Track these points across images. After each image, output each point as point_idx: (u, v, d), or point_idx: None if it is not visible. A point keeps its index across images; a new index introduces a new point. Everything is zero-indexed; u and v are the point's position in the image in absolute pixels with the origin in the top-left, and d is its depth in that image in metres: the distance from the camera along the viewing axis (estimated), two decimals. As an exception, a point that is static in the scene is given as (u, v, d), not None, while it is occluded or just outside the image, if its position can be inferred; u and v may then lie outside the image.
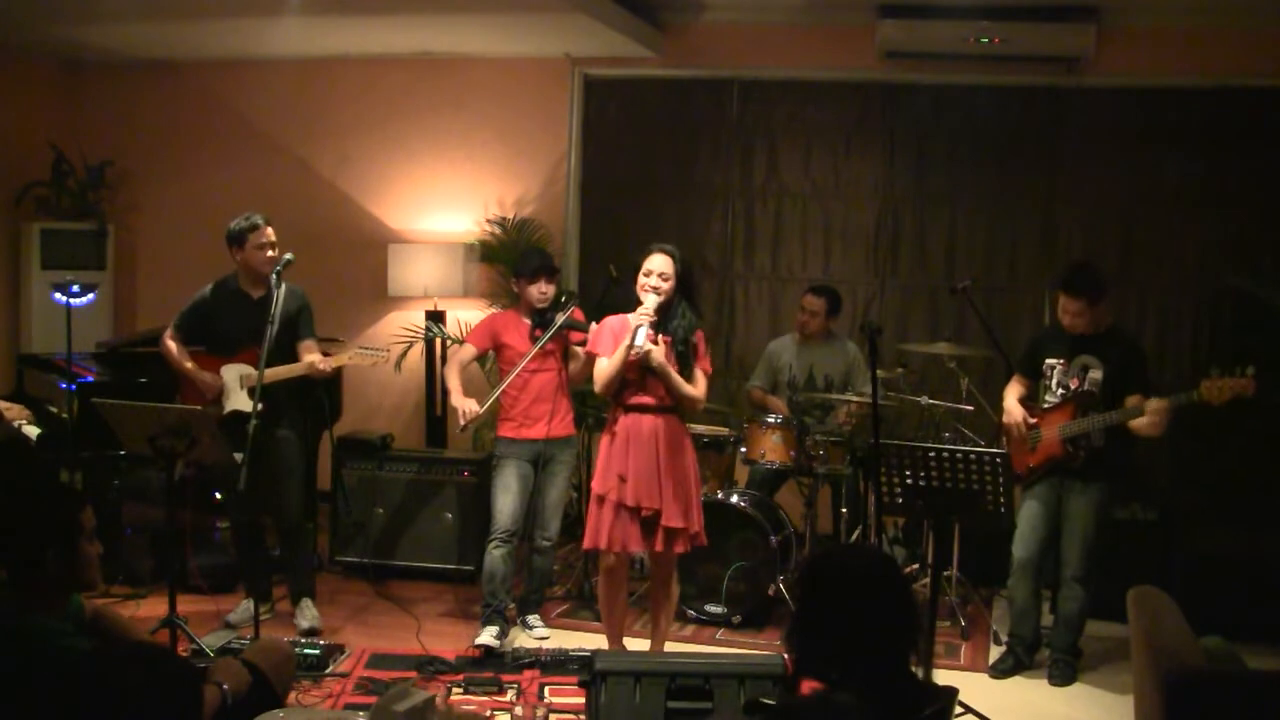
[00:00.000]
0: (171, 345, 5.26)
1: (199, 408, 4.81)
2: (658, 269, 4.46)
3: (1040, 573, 5.05)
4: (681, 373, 4.48)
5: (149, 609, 5.39)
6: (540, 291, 5.20)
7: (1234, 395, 4.44)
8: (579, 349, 5.11)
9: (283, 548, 5.51)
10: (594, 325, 4.80)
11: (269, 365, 5.01)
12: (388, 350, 5.39)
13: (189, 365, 5.21)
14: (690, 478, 4.55)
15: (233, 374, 5.12)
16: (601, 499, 4.54)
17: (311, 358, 5.11)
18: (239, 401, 5.06)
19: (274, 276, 5.02)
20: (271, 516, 5.40)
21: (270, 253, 5.10)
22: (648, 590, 4.82)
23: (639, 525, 4.49)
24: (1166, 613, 3.49)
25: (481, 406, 5.06)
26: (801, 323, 6.17)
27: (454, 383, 5.27)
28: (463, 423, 5.10)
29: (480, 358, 5.67)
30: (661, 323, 4.48)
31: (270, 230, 5.14)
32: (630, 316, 4.47)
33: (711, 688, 3.77)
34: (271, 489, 5.25)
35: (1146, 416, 4.58)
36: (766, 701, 2.82)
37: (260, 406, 4.81)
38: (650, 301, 4.42)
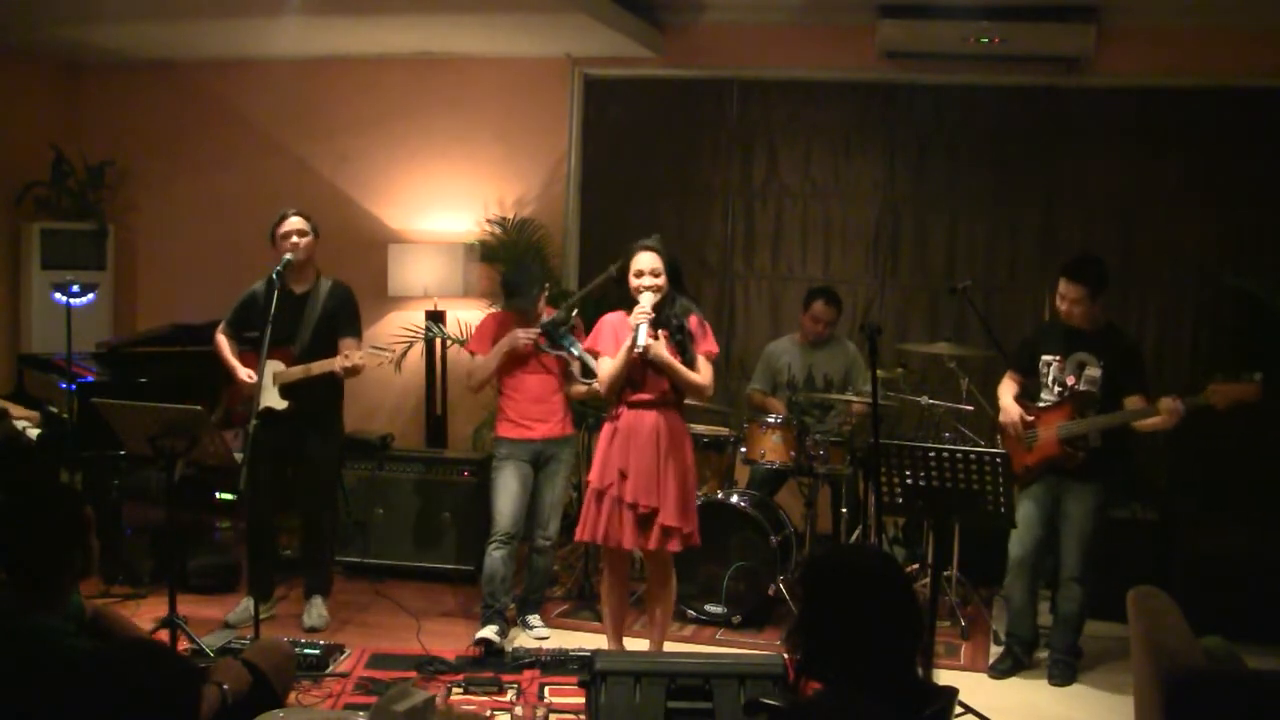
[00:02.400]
0: (221, 340, 5.31)
1: (199, 408, 4.81)
2: (649, 267, 4.45)
3: (1037, 572, 5.05)
4: (683, 361, 4.46)
5: (149, 609, 5.39)
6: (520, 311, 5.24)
7: (1240, 400, 4.43)
8: (582, 384, 5.12)
9: (306, 546, 5.53)
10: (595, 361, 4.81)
11: (304, 361, 5.07)
12: (393, 350, 5.41)
13: (232, 361, 5.25)
14: (689, 477, 4.54)
15: (268, 370, 5.11)
16: (600, 493, 4.53)
17: (340, 357, 5.12)
18: (271, 399, 5.07)
19: (274, 276, 5.03)
20: (297, 514, 5.42)
21: (294, 239, 5.11)
22: (647, 590, 4.82)
23: (635, 522, 4.49)
24: (1166, 613, 3.49)
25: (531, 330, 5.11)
26: (811, 329, 6.14)
27: (492, 358, 5.23)
28: (524, 338, 5.09)
29: None
30: (657, 316, 4.48)
31: (293, 220, 5.19)
32: (630, 317, 4.45)
33: (711, 688, 3.77)
34: (302, 487, 5.27)
35: (1161, 416, 4.57)
36: (769, 702, 2.82)
37: (285, 405, 4.84)
38: (647, 300, 4.42)
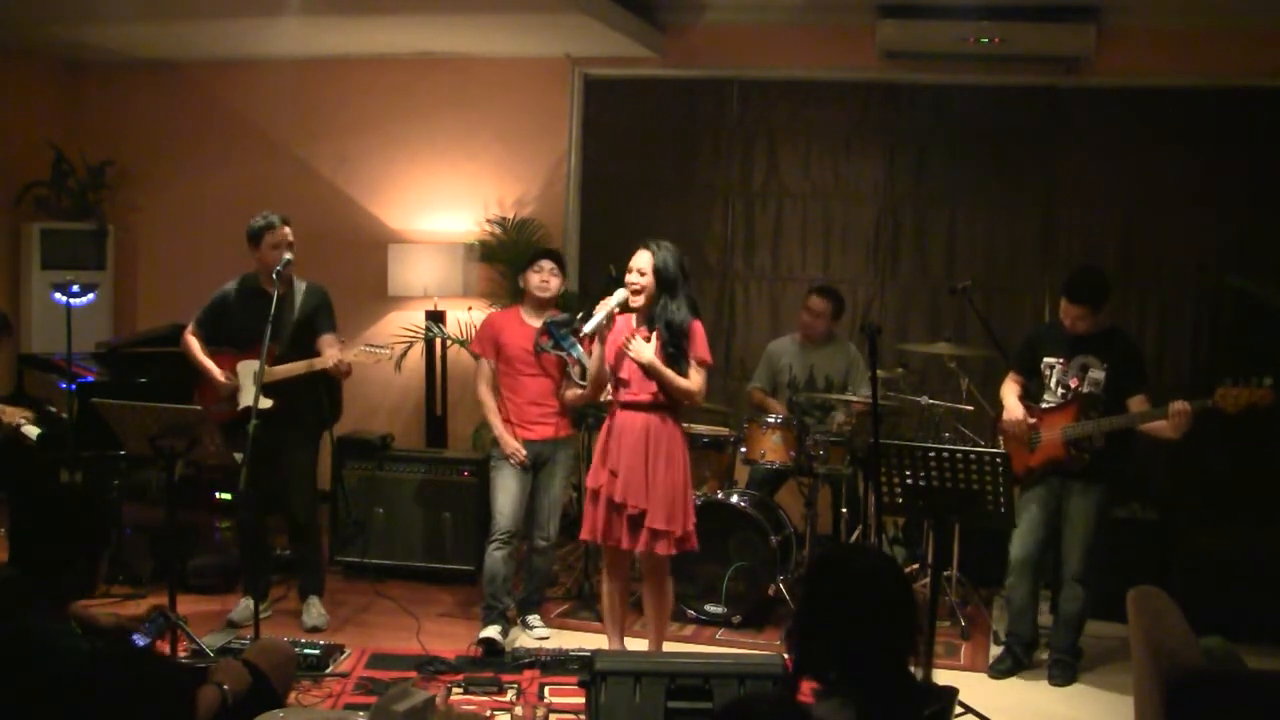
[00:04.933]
0: (191, 341, 5.28)
1: (199, 408, 4.81)
2: (636, 265, 4.46)
3: (1039, 572, 5.05)
4: (673, 366, 4.42)
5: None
6: (542, 280, 5.21)
7: (1250, 405, 4.42)
8: (577, 387, 5.10)
9: (294, 546, 5.53)
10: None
11: (285, 362, 5.06)
12: (391, 349, 5.40)
13: (206, 362, 5.22)
14: (680, 480, 4.50)
15: (247, 371, 5.11)
16: (595, 493, 4.54)
17: (331, 351, 5.12)
18: (252, 398, 5.06)
19: (274, 277, 5.04)
20: (283, 515, 5.42)
21: (286, 253, 5.10)
22: (642, 591, 4.82)
23: (627, 523, 4.48)
24: (1166, 613, 3.49)
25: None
26: (805, 324, 6.16)
27: (493, 413, 5.25)
28: (514, 462, 5.17)
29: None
30: (648, 319, 4.48)
31: (287, 230, 5.16)
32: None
33: (711, 688, 3.77)
34: (283, 487, 5.27)
35: (1169, 419, 4.56)
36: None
37: (269, 404, 4.84)
38: (619, 294, 4.43)
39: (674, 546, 4.49)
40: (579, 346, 5.06)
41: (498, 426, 5.22)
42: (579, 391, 5.14)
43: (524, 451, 5.17)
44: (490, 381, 5.30)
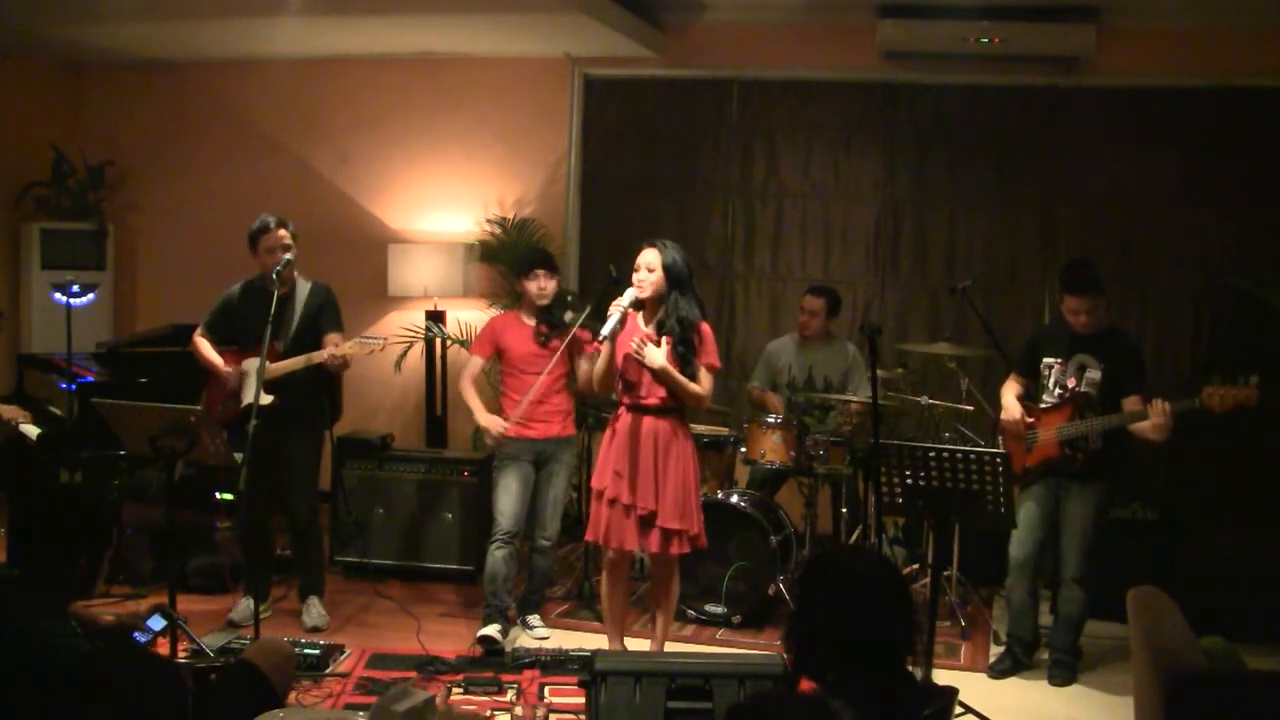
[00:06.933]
0: (200, 342, 5.32)
1: (198, 408, 4.81)
2: (645, 263, 4.46)
3: (1038, 572, 5.05)
4: (683, 370, 4.44)
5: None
6: (539, 288, 5.22)
7: (1236, 404, 4.41)
8: (585, 359, 5.10)
9: (294, 546, 5.53)
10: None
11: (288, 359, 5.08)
12: (385, 338, 5.40)
13: (212, 356, 5.25)
14: (689, 479, 4.53)
15: (251, 369, 5.11)
16: (601, 494, 4.55)
17: (334, 344, 5.13)
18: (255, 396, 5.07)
19: (274, 277, 5.04)
20: (283, 515, 5.42)
21: (283, 254, 5.11)
22: (648, 590, 4.82)
23: (636, 524, 4.49)
24: (1166, 613, 3.49)
25: (509, 423, 5.15)
26: (801, 323, 6.18)
27: (474, 400, 5.29)
28: (490, 442, 5.20)
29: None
30: (657, 319, 4.48)
31: (282, 232, 5.17)
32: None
33: (711, 688, 3.77)
34: (285, 486, 5.27)
35: (1151, 419, 4.56)
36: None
37: (270, 400, 4.85)
38: (630, 294, 4.42)
39: (686, 545, 4.51)
40: (577, 318, 5.09)
41: (479, 410, 5.23)
42: (587, 368, 5.08)
43: (502, 424, 5.14)
44: (474, 375, 5.35)
